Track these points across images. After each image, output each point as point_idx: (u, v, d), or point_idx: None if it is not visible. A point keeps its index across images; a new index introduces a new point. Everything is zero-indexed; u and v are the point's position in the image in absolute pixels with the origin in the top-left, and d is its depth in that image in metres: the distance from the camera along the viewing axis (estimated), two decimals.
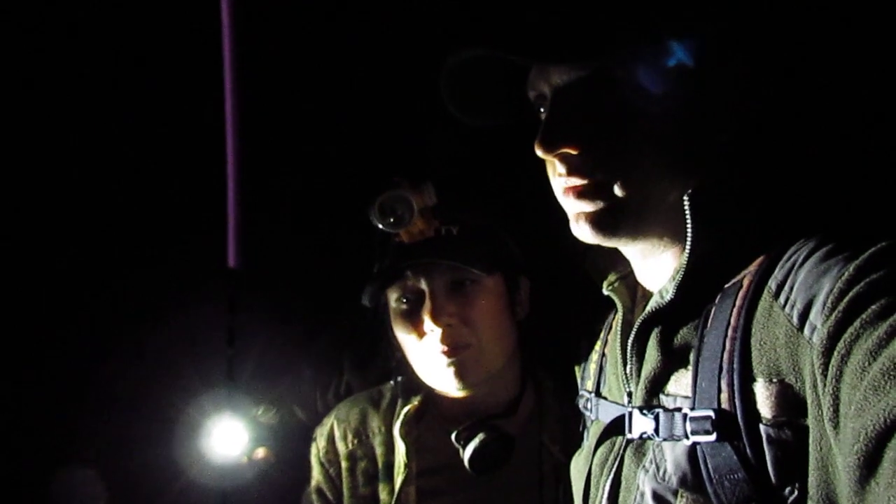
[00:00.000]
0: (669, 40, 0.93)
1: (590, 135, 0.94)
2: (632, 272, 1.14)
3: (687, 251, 0.95)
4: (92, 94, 1.80)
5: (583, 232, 0.99)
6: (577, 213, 0.99)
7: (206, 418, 1.58)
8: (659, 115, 0.93)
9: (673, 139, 0.94)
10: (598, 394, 1.20)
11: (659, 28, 0.93)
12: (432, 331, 1.50)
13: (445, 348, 1.49)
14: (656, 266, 1.05)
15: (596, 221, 0.97)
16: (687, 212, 0.94)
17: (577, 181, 0.96)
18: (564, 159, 0.96)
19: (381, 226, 1.50)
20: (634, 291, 1.16)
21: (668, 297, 0.99)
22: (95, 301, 1.80)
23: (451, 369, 1.50)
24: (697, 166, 0.96)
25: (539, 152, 0.97)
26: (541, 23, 0.96)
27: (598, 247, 1.09)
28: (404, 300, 1.56)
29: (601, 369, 1.23)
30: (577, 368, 1.40)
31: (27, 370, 1.77)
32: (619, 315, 1.15)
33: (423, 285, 1.53)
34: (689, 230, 0.94)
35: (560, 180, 0.99)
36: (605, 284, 1.20)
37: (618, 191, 0.95)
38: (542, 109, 1.03)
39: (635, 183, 0.95)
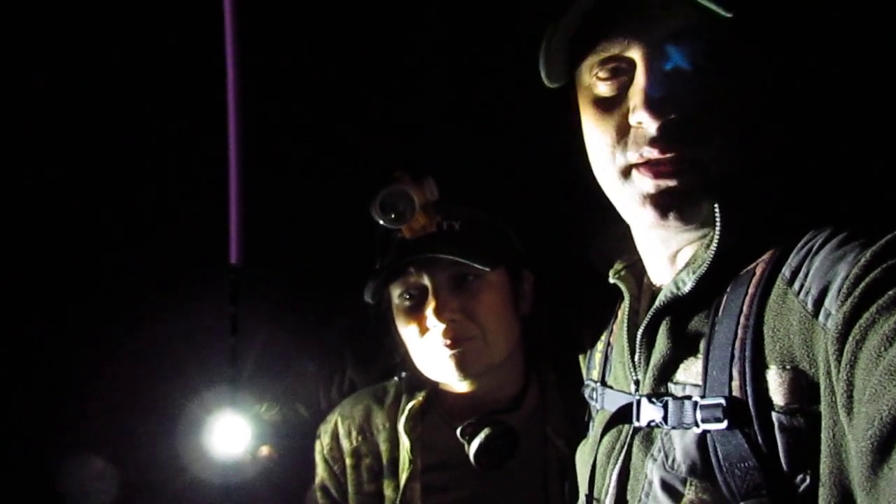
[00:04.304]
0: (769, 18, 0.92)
1: (693, 102, 0.91)
2: (638, 260, 1.13)
3: (714, 246, 0.93)
4: (96, 90, 1.80)
5: (665, 216, 0.95)
6: (658, 193, 0.94)
7: (209, 415, 1.58)
8: (743, 94, 0.93)
9: (747, 121, 0.93)
10: (603, 383, 1.20)
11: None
12: (435, 326, 1.50)
13: (448, 342, 1.49)
14: (674, 256, 1.04)
15: (682, 204, 0.94)
16: (716, 206, 0.92)
17: (671, 153, 0.92)
18: (665, 126, 0.91)
19: (382, 221, 1.49)
20: (641, 280, 1.16)
21: (685, 288, 0.97)
22: (98, 297, 1.79)
23: (453, 360, 1.50)
24: (746, 153, 0.95)
25: (645, 115, 0.91)
26: None
27: (605, 234, 1.09)
28: (407, 296, 1.56)
29: (607, 358, 1.22)
30: (581, 359, 1.40)
31: (30, 366, 1.76)
32: (626, 304, 1.14)
33: (426, 281, 1.52)
34: (717, 224, 0.93)
35: (642, 151, 0.94)
36: (611, 273, 1.19)
37: (706, 170, 0.92)
38: (600, 75, 0.98)
39: (726, 164, 0.92)
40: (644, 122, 0.92)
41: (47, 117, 1.79)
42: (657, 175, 0.93)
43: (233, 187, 1.60)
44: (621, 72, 0.96)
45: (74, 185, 1.81)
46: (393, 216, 1.48)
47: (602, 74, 0.98)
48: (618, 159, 0.98)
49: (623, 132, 0.96)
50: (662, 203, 0.94)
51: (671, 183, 0.93)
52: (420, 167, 1.54)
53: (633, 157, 0.95)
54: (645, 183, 0.95)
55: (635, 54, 0.94)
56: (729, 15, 0.86)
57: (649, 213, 0.96)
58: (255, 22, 1.63)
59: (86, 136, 1.81)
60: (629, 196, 0.98)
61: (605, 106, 0.98)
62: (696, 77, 0.92)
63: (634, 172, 0.96)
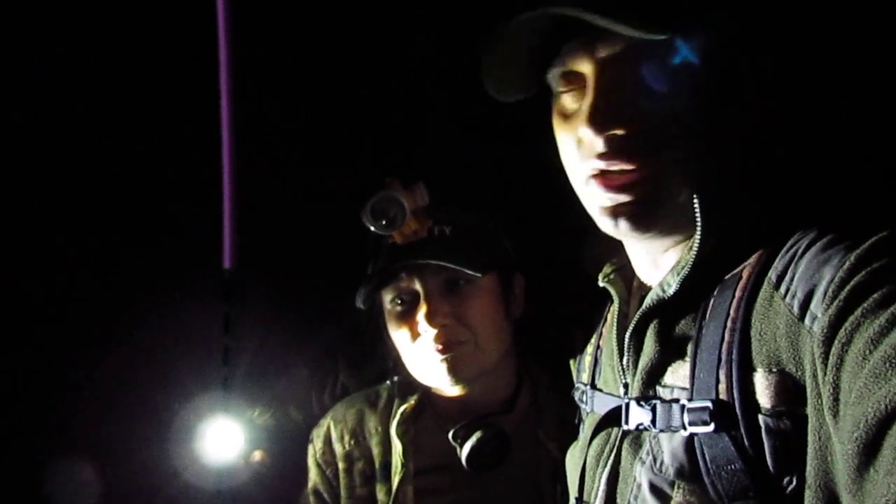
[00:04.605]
0: (719, 27, 0.92)
1: (641, 116, 0.92)
2: (628, 263, 1.14)
3: (695, 248, 0.94)
4: (88, 92, 1.79)
5: (620, 227, 0.96)
6: (612, 206, 0.95)
7: (202, 420, 1.58)
8: (700, 103, 0.93)
9: (708, 129, 0.93)
10: (593, 386, 1.20)
11: (715, 12, 0.92)
12: (427, 331, 1.50)
13: (440, 346, 1.49)
14: (658, 259, 1.05)
15: (635, 215, 0.94)
16: (697, 208, 0.93)
17: (620, 166, 0.93)
18: (611, 140, 0.92)
19: (373, 228, 1.50)
20: (630, 283, 1.16)
21: (670, 290, 0.98)
22: (90, 301, 1.79)
23: (445, 365, 1.50)
24: (716, 159, 0.96)
25: (587, 132, 0.93)
26: None
27: (595, 238, 1.09)
28: (399, 301, 1.56)
29: (596, 361, 1.23)
30: (572, 362, 1.40)
31: (22, 370, 1.76)
32: (615, 307, 1.15)
33: (418, 286, 1.53)
34: (698, 226, 0.93)
35: (597, 163, 0.95)
36: (600, 276, 1.20)
37: (658, 180, 0.93)
38: (563, 89, 1.00)
39: (673, 172, 0.93)
40: (586, 137, 0.94)
41: (42, 120, 1.79)
42: (608, 187, 0.95)
43: (227, 191, 1.60)
44: (579, 85, 0.98)
45: (68, 189, 1.81)
46: (384, 222, 1.49)
47: (564, 87, 1.00)
48: (578, 169, 0.99)
49: (580, 144, 0.98)
50: (613, 213, 0.96)
51: (620, 195, 0.94)
52: (411, 172, 1.55)
53: (588, 168, 0.97)
54: (598, 193, 0.96)
55: (587, 70, 0.95)
56: (662, 37, 0.87)
57: (603, 223, 0.98)
58: (249, 24, 1.63)
59: (80, 139, 1.81)
60: (590, 204, 1.00)
61: (567, 117, 1.00)
62: (644, 92, 0.92)
63: (591, 182, 0.97)
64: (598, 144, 0.93)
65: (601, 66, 0.94)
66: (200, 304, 1.66)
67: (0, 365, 1.74)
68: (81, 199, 1.82)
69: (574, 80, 0.98)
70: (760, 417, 0.83)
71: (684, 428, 0.90)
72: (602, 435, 1.09)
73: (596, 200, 0.98)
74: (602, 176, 0.95)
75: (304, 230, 1.85)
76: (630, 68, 0.92)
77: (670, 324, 1.00)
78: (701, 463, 0.88)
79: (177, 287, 1.72)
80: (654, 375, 0.99)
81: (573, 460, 1.21)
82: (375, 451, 1.61)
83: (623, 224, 0.95)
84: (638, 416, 0.99)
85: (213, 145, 1.59)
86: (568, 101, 1.00)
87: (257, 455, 1.66)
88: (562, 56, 0.98)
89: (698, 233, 0.94)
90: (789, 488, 0.81)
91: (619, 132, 0.92)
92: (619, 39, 0.92)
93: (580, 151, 0.97)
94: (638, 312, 1.04)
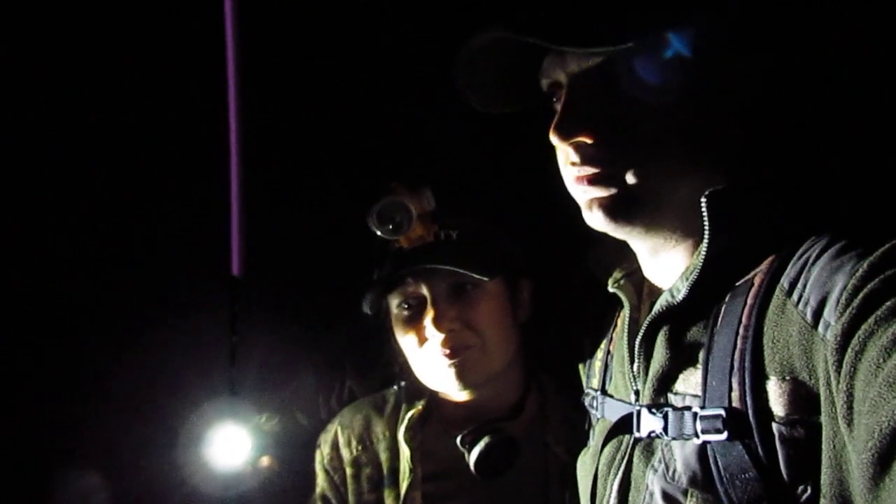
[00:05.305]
0: (684, 31, 0.92)
1: (605, 124, 0.94)
2: (638, 269, 1.13)
3: (703, 251, 0.94)
4: (96, 99, 1.80)
5: (596, 219, 0.98)
6: (590, 200, 0.98)
7: (209, 426, 1.58)
8: (673, 107, 0.93)
9: (688, 132, 0.94)
10: (603, 392, 1.20)
11: (674, 18, 0.92)
12: (434, 336, 1.50)
13: (447, 351, 1.49)
14: (666, 263, 1.04)
15: (609, 208, 0.96)
16: (704, 211, 0.92)
17: (591, 169, 0.96)
18: (579, 148, 0.96)
19: (379, 232, 1.50)
20: (640, 288, 1.16)
21: (679, 296, 0.97)
22: (99, 308, 1.80)
23: (453, 370, 1.49)
24: (713, 162, 0.96)
25: (554, 140, 0.97)
26: (560, 9, 0.95)
27: (604, 243, 1.09)
28: (405, 306, 1.55)
29: (606, 367, 1.22)
30: (581, 367, 1.40)
31: (30, 378, 1.76)
32: (626, 312, 1.14)
33: (424, 291, 1.52)
34: (706, 230, 0.93)
35: (573, 169, 0.98)
36: (610, 281, 1.19)
37: (631, 179, 0.94)
38: (554, 98, 1.02)
39: (649, 173, 0.94)
40: (556, 144, 0.98)
41: (51, 127, 1.79)
42: (582, 182, 0.98)
43: (234, 199, 1.60)
44: (561, 94, 1.00)
45: (76, 198, 1.81)
46: (390, 227, 1.49)
47: (552, 96, 1.03)
48: (565, 173, 1.03)
49: (562, 150, 1.01)
50: (590, 206, 0.99)
51: (594, 189, 0.97)
52: (417, 177, 1.54)
53: (570, 172, 1.00)
54: (583, 191, 0.99)
55: (562, 80, 0.98)
56: (597, 50, 0.90)
57: (586, 216, 1.01)
58: (256, 33, 1.64)
59: (89, 147, 1.81)
60: (578, 202, 1.03)
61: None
62: (612, 99, 0.94)
63: (575, 182, 1.00)
64: (570, 152, 0.97)
65: (571, 77, 0.97)
66: (209, 311, 1.66)
67: (9, 373, 1.74)
68: (90, 208, 1.82)
69: (557, 90, 1.01)
70: (774, 426, 0.83)
71: (697, 436, 0.90)
72: (613, 442, 1.08)
73: (579, 197, 1.01)
74: (581, 176, 0.98)
75: (310, 236, 1.85)
76: (598, 77, 0.95)
77: (681, 330, 0.99)
78: (714, 471, 0.88)
79: (185, 294, 1.72)
80: (666, 382, 0.99)
81: (584, 467, 1.20)
82: (383, 456, 1.60)
83: (599, 215, 0.98)
84: (650, 423, 0.99)
85: (220, 153, 1.59)
86: (557, 108, 1.02)
87: (265, 461, 1.65)
88: (544, 68, 1.01)
89: (705, 237, 0.94)
90: (803, 497, 0.81)
91: (586, 140, 0.95)
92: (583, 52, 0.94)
93: (563, 157, 1.01)
94: (648, 318, 1.03)
